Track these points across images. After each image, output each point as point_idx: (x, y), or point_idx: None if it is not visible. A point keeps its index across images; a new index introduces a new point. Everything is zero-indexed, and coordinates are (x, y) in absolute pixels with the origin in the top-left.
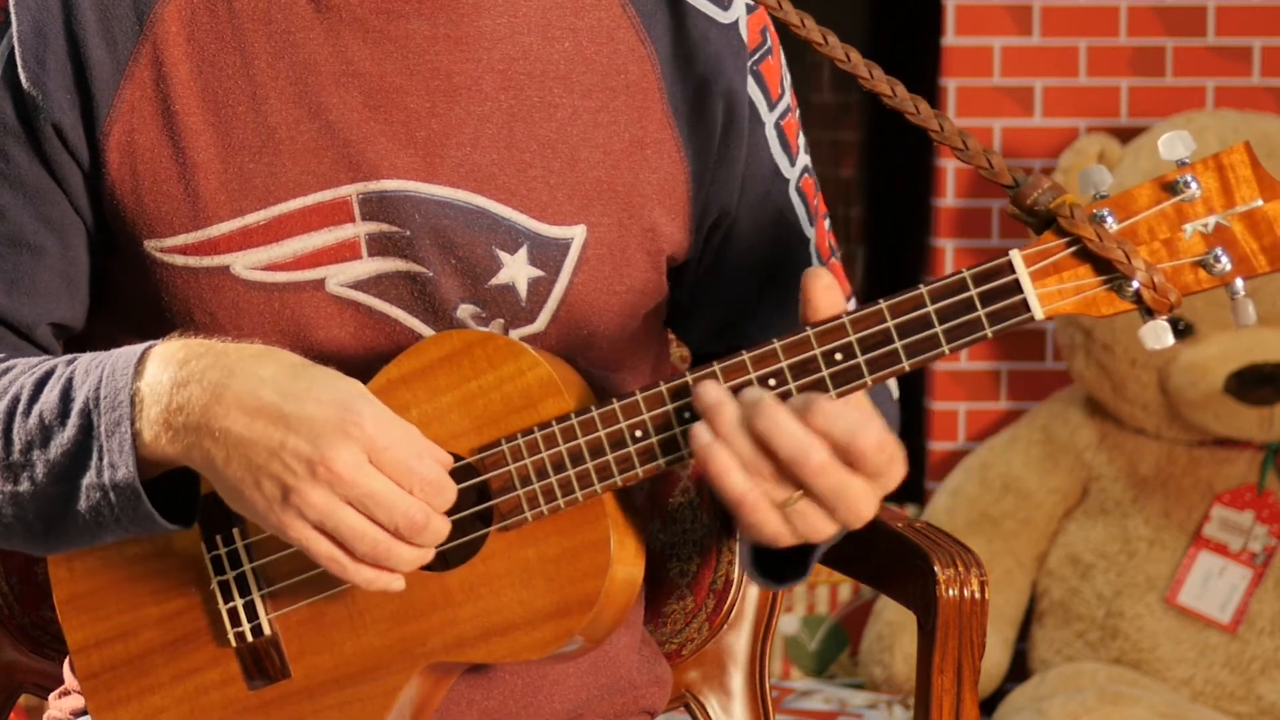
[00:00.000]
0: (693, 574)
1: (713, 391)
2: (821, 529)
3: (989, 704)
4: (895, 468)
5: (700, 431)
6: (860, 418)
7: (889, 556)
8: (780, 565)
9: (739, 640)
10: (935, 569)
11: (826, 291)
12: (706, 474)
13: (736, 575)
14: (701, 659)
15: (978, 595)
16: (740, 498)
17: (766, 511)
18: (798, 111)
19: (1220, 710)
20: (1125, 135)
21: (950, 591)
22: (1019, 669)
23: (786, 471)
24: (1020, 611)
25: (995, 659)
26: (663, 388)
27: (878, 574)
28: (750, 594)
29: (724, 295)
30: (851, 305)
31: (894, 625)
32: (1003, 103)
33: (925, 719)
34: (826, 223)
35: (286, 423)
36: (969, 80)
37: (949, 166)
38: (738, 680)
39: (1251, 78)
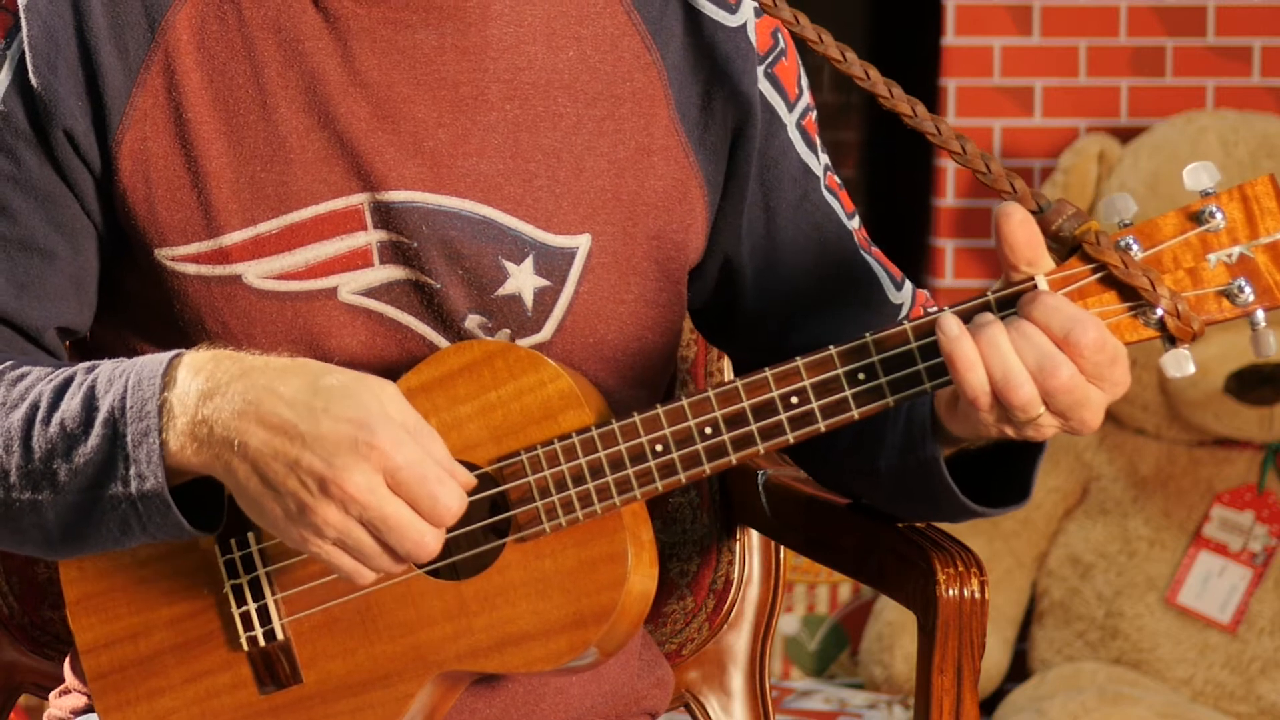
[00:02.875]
0: (693, 574)
1: (950, 317)
2: (1049, 432)
3: (989, 704)
4: (1119, 370)
5: (949, 322)
6: (1079, 312)
7: (889, 556)
8: (983, 489)
9: (739, 640)
10: (935, 569)
11: (1022, 226)
12: (953, 371)
13: (736, 575)
14: (701, 659)
15: (978, 595)
16: (975, 396)
17: (998, 418)
18: (815, 112)
19: (1220, 710)
20: (1125, 135)
21: (950, 591)
22: (1019, 669)
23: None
24: (1020, 611)
25: (995, 659)
26: (684, 402)
27: (878, 574)
28: (750, 594)
29: (780, 300)
30: (908, 289)
31: (894, 625)
32: (1003, 103)
33: (925, 719)
34: (857, 220)
35: (303, 440)
36: (969, 80)
37: (949, 166)
38: (738, 680)
39: (1251, 78)
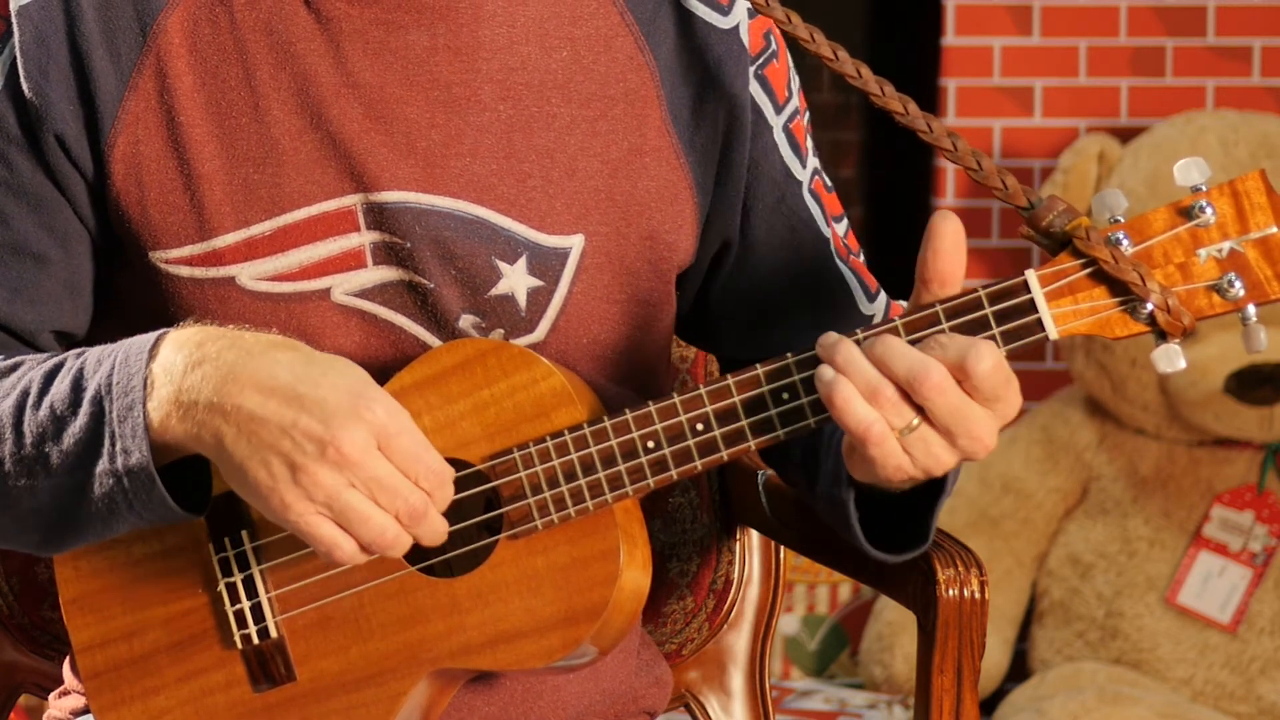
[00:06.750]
0: (693, 574)
1: (831, 335)
2: (942, 458)
3: (989, 704)
4: (1011, 392)
5: (823, 370)
6: (972, 341)
7: None
8: (892, 534)
9: (739, 640)
10: (935, 569)
11: (953, 234)
12: (831, 410)
13: (736, 575)
14: (701, 659)
15: (978, 595)
16: (865, 428)
17: (890, 442)
18: (807, 115)
19: (1220, 710)
20: (1125, 135)
21: (950, 591)
22: (1019, 669)
23: (906, 394)
24: (1020, 611)
25: (995, 659)
26: (676, 399)
27: (878, 574)
28: (750, 594)
29: (749, 301)
30: (881, 301)
31: (894, 625)
32: (1003, 103)
33: (925, 719)
34: (844, 225)
35: (300, 403)
36: (969, 80)
37: (949, 167)
38: (738, 680)
39: (1251, 78)
